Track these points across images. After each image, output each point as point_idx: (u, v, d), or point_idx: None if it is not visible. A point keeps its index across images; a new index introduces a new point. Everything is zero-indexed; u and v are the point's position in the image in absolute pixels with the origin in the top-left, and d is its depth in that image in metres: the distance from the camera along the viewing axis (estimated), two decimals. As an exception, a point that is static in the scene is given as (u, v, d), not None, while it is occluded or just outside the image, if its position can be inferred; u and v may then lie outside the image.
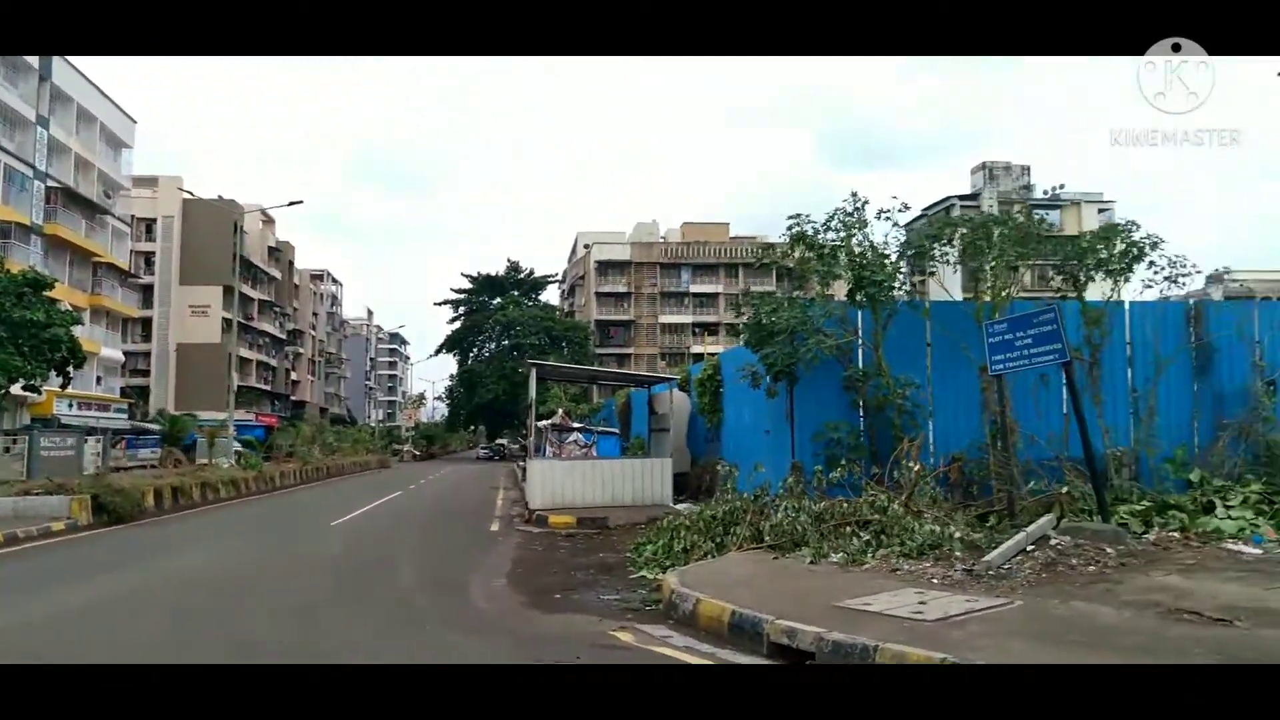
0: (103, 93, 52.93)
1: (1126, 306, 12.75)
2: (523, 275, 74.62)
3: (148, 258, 67.30)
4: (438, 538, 14.84)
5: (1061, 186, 71.15)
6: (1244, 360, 12.78)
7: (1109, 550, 8.24)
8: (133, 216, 60.26)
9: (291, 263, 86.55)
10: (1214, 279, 62.23)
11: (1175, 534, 9.38)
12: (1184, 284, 12.59)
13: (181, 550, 13.51)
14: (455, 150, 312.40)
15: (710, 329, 78.42)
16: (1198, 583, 7.06)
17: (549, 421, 31.32)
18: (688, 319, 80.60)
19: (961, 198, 70.40)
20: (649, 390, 19.56)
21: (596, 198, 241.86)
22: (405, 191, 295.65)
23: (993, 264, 11.61)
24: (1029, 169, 73.87)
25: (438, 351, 74.42)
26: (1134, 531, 9.30)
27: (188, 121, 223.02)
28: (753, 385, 12.43)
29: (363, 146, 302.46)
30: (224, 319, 68.89)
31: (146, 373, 65.60)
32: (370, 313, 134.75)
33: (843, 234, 12.43)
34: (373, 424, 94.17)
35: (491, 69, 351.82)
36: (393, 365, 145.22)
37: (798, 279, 13.42)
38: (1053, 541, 8.45)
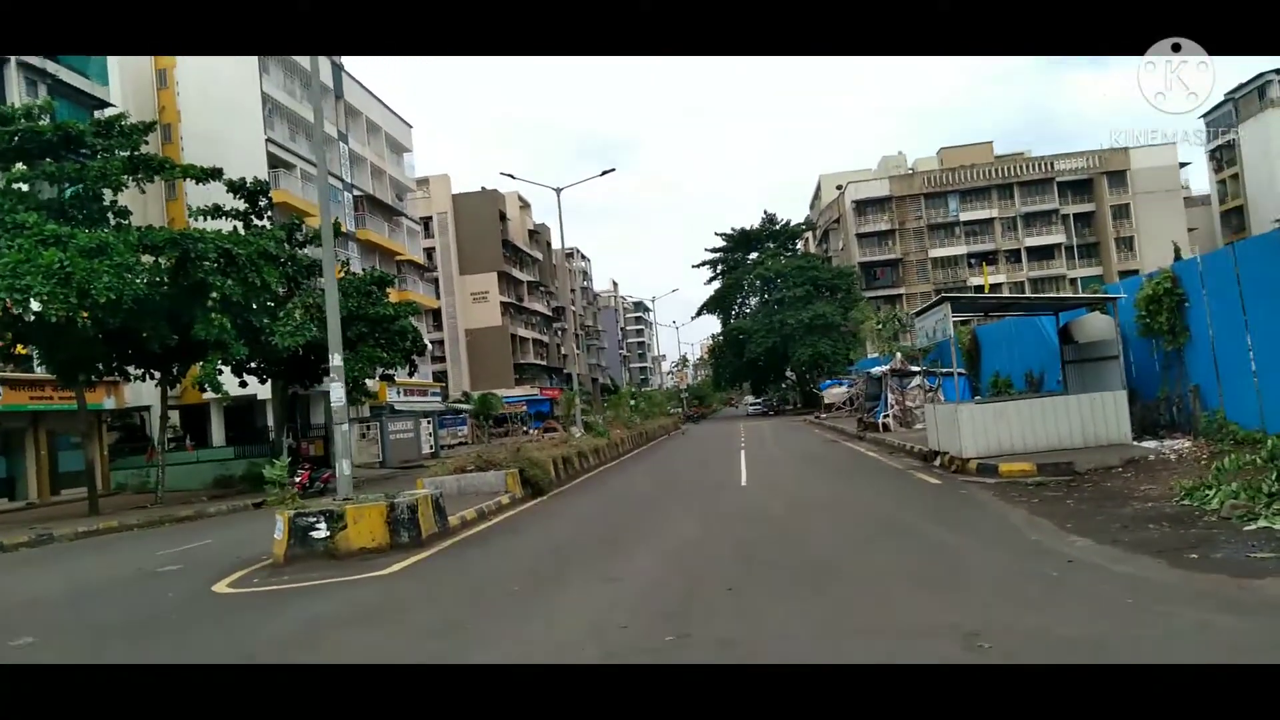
0: (383, 103, 56.89)
1: None
2: (778, 226, 72.49)
3: (429, 253, 72.56)
4: (883, 493, 13.62)
5: None
6: None
7: None
8: (419, 216, 64.96)
9: (549, 243, 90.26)
10: None
11: None
12: None
13: (653, 519, 12.74)
14: (639, 126, 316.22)
15: (988, 258, 72.30)
16: None
17: (886, 368, 29.60)
18: (961, 250, 74.89)
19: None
20: (1057, 318, 17.17)
21: (799, 144, 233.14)
22: (612, 166, 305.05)
23: None
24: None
25: (700, 312, 74.42)
26: None
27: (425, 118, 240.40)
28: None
29: (557, 130, 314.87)
30: (502, 302, 73.12)
31: (442, 358, 70.98)
32: (615, 284, 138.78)
33: None
34: (657, 389, 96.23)
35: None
36: (639, 333, 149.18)
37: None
38: None
